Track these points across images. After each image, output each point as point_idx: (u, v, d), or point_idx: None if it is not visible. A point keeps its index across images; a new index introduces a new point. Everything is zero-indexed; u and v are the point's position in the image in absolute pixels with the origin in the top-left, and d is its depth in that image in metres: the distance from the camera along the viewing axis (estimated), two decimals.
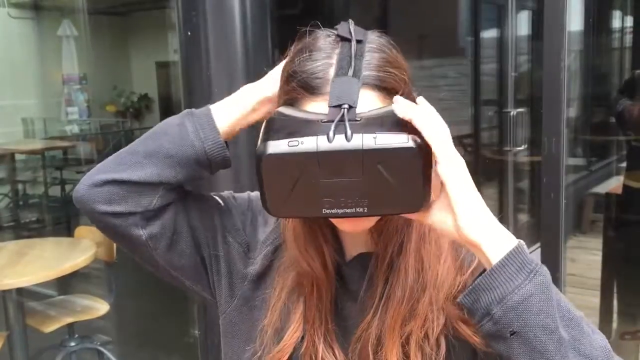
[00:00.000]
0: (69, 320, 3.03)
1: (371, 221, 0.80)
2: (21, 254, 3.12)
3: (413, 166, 0.66)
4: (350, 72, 0.71)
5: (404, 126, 0.67)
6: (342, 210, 0.68)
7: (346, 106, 0.68)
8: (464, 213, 0.68)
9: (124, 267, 3.12)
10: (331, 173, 0.66)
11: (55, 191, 6.89)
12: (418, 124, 0.67)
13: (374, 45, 0.76)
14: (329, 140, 0.65)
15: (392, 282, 0.81)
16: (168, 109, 11.00)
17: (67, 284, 3.60)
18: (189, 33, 2.13)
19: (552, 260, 2.10)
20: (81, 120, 10.13)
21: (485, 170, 4.80)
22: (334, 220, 0.81)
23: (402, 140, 0.65)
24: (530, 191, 4.96)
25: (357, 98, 0.69)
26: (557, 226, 2.09)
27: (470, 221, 0.68)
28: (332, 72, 0.73)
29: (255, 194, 0.96)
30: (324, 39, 0.76)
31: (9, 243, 3.52)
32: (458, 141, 4.75)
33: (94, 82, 10.85)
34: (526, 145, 4.54)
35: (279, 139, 0.67)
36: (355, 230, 0.82)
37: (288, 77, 0.76)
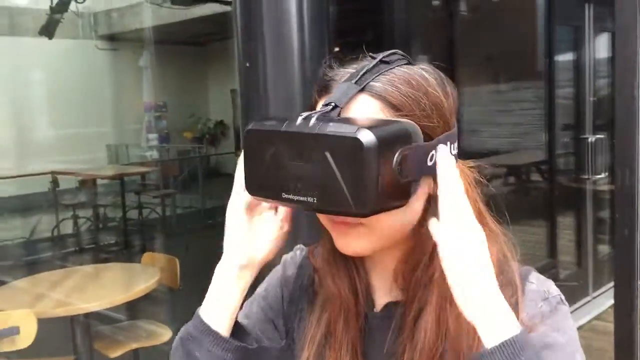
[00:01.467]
0: (135, 345, 3.08)
1: (362, 243, 0.76)
2: (90, 278, 3.22)
3: (361, 162, 0.64)
4: (354, 80, 0.74)
5: (372, 127, 0.66)
6: (296, 197, 0.70)
7: (332, 104, 0.71)
8: (459, 293, 0.67)
9: (189, 293, 3.15)
10: (293, 155, 0.69)
11: (133, 215, 7.15)
12: (437, 171, 0.69)
13: (403, 69, 0.76)
14: (295, 124, 0.69)
15: (416, 341, 0.78)
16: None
17: (132, 308, 3.68)
18: (247, 64, 2.15)
19: (626, 299, 1.99)
20: (160, 146, 10.51)
21: (562, 198, 4.60)
22: (334, 237, 0.79)
23: (350, 130, 0.65)
24: (611, 221, 4.70)
25: (345, 100, 0.72)
26: (632, 264, 1.97)
27: (466, 301, 0.67)
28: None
29: (291, 254, 0.96)
30: (362, 58, 0.79)
31: (78, 268, 3.65)
32: (535, 167, 4.56)
33: (173, 110, 11.26)
34: (607, 173, 4.33)
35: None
36: (347, 250, 0.78)
37: (316, 80, 0.81)
